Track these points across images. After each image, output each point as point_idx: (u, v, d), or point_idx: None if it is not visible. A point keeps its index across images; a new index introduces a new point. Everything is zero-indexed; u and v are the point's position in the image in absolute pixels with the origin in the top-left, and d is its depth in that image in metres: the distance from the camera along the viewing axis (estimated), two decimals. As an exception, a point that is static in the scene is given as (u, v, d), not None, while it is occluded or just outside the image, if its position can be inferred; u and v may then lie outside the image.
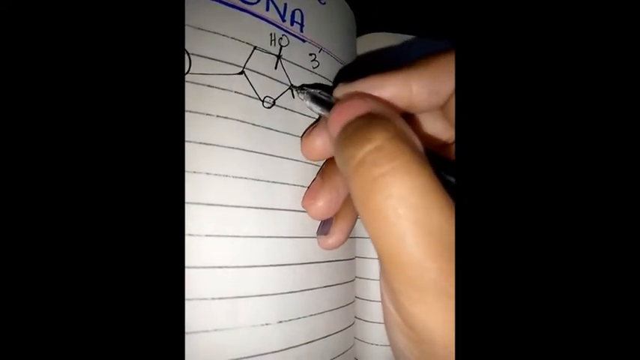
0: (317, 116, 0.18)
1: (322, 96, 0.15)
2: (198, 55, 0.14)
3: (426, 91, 0.14)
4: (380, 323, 0.21)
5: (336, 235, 0.17)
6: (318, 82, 0.18)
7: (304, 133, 0.17)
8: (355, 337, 0.22)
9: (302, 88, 0.16)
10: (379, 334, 0.21)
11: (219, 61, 0.15)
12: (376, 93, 0.14)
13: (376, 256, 0.21)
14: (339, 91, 0.15)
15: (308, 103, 0.16)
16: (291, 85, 0.17)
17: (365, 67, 0.24)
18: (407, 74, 0.14)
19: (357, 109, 0.13)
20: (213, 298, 0.14)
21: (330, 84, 0.19)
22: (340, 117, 0.13)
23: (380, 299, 0.21)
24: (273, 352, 0.15)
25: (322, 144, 0.16)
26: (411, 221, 0.11)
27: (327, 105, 0.15)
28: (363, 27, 0.24)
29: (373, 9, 0.25)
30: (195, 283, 0.14)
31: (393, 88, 0.14)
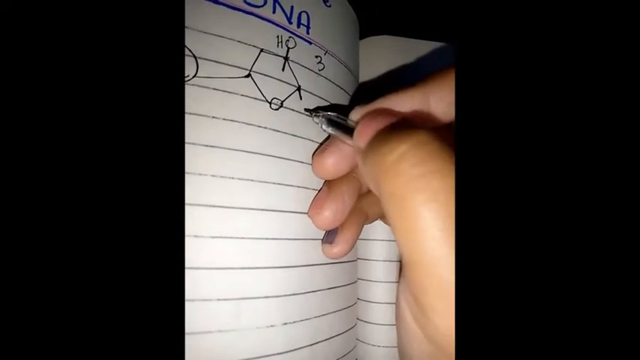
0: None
1: (338, 119, 0.15)
2: (205, 59, 0.14)
3: (444, 103, 0.14)
4: (381, 325, 0.21)
5: (340, 245, 0.17)
6: (324, 84, 0.18)
7: (315, 152, 0.17)
8: (357, 339, 0.22)
9: (317, 111, 0.16)
10: (381, 336, 0.21)
11: (225, 64, 0.15)
12: (395, 110, 0.14)
13: (377, 258, 0.22)
14: (357, 113, 0.15)
15: (324, 126, 0.16)
16: (299, 86, 0.17)
17: (368, 72, 0.24)
18: (424, 89, 0.14)
19: (387, 118, 0.13)
20: (218, 299, 0.14)
21: (336, 87, 0.19)
22: (370, 127, 0.13)
23: (381, 301, 0.21)
24: (277, 354, 0.15)
25: (333, 163, 0.16)
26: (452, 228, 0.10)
27: (342, 127, 0.15)
28: (364, 30, 0.24)
29: (375, 12, 0.25)
30: (200, 283, 0.14)
31: (410, 104, 0.14)
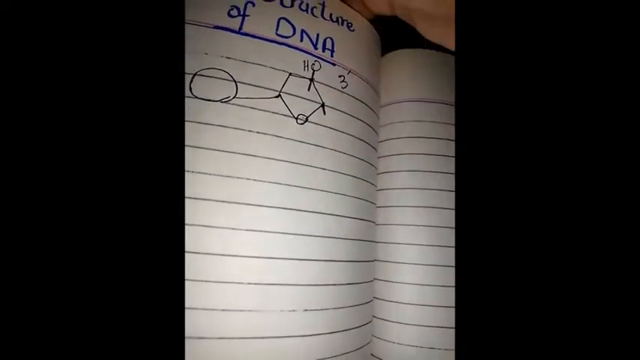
0: (345, 133, 0.20)
1: None
2: (243, 83, 0.17)
3: None
4: (397, 323, 0.23)
5: None
6: (346, 100, 0.20)
7: None
8: (373, 335, 0.23)
9: None
10: (395, 333, 0.23)
11: (259, 87, 0.17)
12: None
13: (394, 260, 0.23)
14: None
15: None
16: (323, 103, 0.19)
17: (392, 84, 0.26)
18: None
19: None
20: (249, 283, 0.17)
21: (358, 102, 0.21)
22: None
23: (395, 300, 0.22)
24: (297, 336, 0.17)
25: None
26: None
27: None
28: (387, 46, 0.26)
29: (396, 29, 0.26)
30: (233, 269, 0.16)
31: None
